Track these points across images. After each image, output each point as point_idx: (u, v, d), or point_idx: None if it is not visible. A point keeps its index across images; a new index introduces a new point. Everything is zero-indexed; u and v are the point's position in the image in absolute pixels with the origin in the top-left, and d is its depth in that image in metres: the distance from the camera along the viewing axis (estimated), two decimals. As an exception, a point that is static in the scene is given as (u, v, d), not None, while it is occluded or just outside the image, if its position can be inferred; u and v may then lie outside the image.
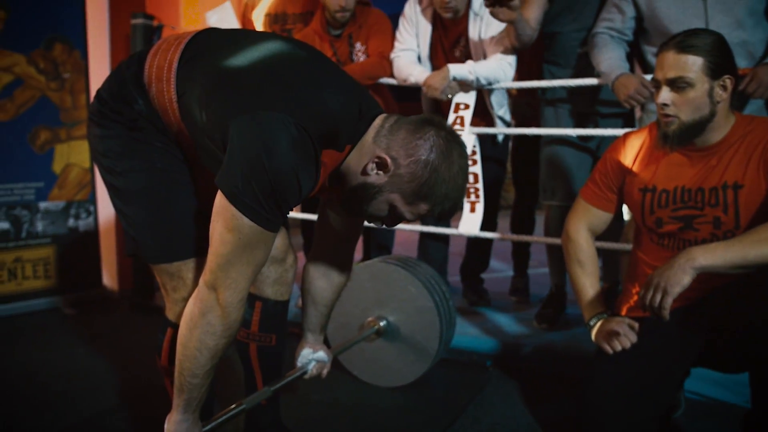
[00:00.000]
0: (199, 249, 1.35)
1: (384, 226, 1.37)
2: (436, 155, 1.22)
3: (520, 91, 3.16)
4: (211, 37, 1.36)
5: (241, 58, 1.27)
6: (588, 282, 1.83)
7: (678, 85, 1.58)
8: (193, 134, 1.30)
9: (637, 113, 2.48)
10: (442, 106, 2.81)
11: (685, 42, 1.57)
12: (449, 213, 1.29)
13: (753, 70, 2.02)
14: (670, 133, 1.62)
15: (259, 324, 1.61)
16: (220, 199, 1.17)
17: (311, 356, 1.70)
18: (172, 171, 1.36)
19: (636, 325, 1.69)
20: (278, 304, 1.63)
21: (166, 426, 1.33)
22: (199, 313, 1.22)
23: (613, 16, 2.36)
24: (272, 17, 3.16)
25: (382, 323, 2.16)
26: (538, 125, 2.79)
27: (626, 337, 1.68)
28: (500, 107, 2.76)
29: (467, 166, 1.29)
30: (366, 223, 1.49)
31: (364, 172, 1.27)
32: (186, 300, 1.34)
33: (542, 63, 2.71)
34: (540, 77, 2.70)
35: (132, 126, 1.34)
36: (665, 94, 1.61)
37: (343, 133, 1.26)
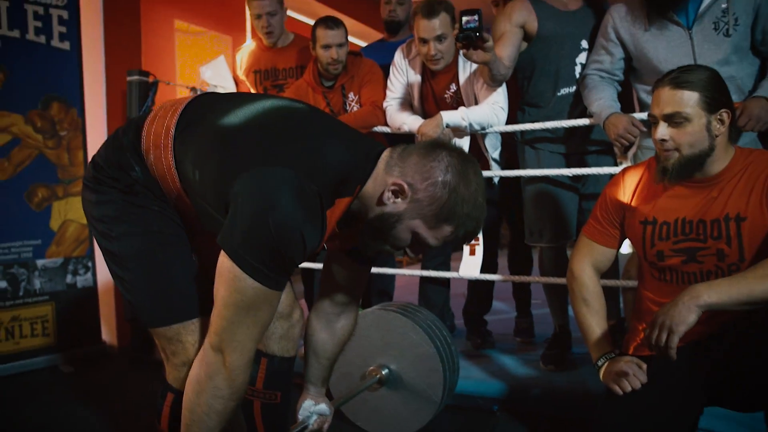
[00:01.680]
0: (197, 311, 1.33)
1: (411, 254, 1.32)
2: (452, 175, 1.20)
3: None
4: (208, 101, 1.37)
5: (237, 117, 1.27)
6: (594, 321, 1.80)
7: (675, 120, 1.59)
8: (192, 197, 1.30)
9: (628, 151, 2.49)
10: (436, 151, 2.82)
11: (680, 78, 1.59)
12: (472, 234, 1.25)
13: (743, 104, 2.05)
14: (670, 167, 1.63)
15: (264, 381, 1.58)
16: (222, 259, 1.15)
17: (312, 409, 1.66)
18: (168, 233, 1.35)
19: (644, 365, 1.67)
20: (284, 360, 1.60)
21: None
22: (206, 377, 1.20)
23: (602, 57, 2.40)
24: (262, 74, 3.19)
25: (384, 372, 2.13)
26: (515, 163, 2.79)
27: (635, 377, 1.65)
28: (494, 150, 2.78)
29: (484, 183, 1.26)
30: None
31: (381, 203, 1.24)
32: (186, 364, 1.32)
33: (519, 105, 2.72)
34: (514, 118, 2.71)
35: (128, 191, 1.33)
36: (663, 130, 1.61)
37: (351, 178, 1.23)
